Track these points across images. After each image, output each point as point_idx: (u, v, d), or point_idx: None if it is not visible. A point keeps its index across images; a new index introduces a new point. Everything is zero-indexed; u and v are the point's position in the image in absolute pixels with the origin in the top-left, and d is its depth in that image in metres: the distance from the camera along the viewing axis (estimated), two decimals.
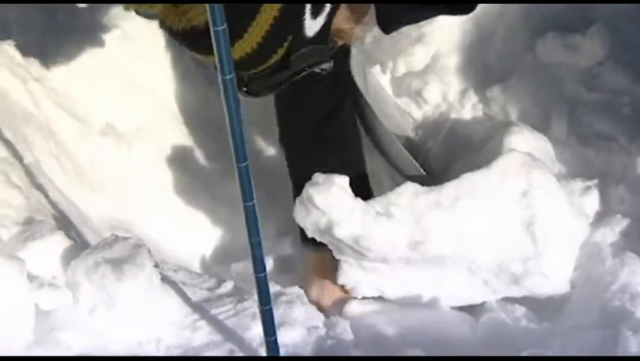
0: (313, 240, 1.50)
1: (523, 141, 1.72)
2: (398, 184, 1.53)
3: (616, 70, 1.85)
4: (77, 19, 1.99)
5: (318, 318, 1.45)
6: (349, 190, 1.46)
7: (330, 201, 1.44)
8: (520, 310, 1.53)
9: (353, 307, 1.57)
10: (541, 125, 1.84)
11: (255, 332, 1.33)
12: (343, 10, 1.33)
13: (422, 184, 1.52)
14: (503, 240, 1.53)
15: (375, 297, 1.58)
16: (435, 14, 1.39)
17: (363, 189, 1.70)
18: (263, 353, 1.26)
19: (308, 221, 1.47)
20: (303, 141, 1.81)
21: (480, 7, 1.37)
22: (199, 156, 2.01)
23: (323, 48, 1.32)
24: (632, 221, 1.63)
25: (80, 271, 1.32)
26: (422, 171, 1.80)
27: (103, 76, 1.93)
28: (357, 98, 1.83)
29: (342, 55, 1.78)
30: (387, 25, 1.33)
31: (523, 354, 1.33)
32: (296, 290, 1.48)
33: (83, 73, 1.90)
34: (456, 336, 1.48)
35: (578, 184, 1.72)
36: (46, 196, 1.62)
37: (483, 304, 1.57)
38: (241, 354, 1.32)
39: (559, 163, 1.79)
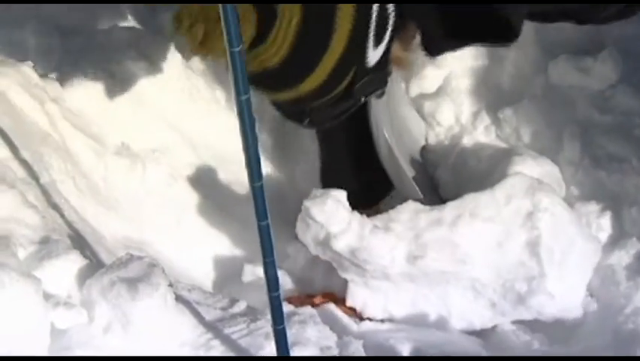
0: None
1: (528, 168, 1.72)
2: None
3: (628, 92, 1.85)
4: (93, 40, 2.02)
5: (331, 338, 1.45)
6: (346, 203, 1.48)
7: (327, 213, 1.46)
8: (531, 333, 1.53)
9: (366, 327, 1.57)
10: (553, 148, 1.84)
11: (268, 352, 1.33)
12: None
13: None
14: (507, 259, 1.54)
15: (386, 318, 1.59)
16: (478, 42, 1.41)
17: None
18: None
19: (308, 236, 1.50)
20: None
21: None
22: (213, 175, 2.02)
23: (382, 75, 1.35)
24: None
25: (95, 290, 1.33)
26: (421, 195, 1.80)
27: (118, 97, 1.94)
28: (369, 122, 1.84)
29: None
30: (433, 50, 1.36)
31: None
32: (309, 310, 1.48)
33: (99, 94, 1.91)
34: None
35: (591, 207, 1.72)
36: (62, 216, 1.63)
37: (494, 328, 1.57)
38: None
39: (572, 185, 1.79)
